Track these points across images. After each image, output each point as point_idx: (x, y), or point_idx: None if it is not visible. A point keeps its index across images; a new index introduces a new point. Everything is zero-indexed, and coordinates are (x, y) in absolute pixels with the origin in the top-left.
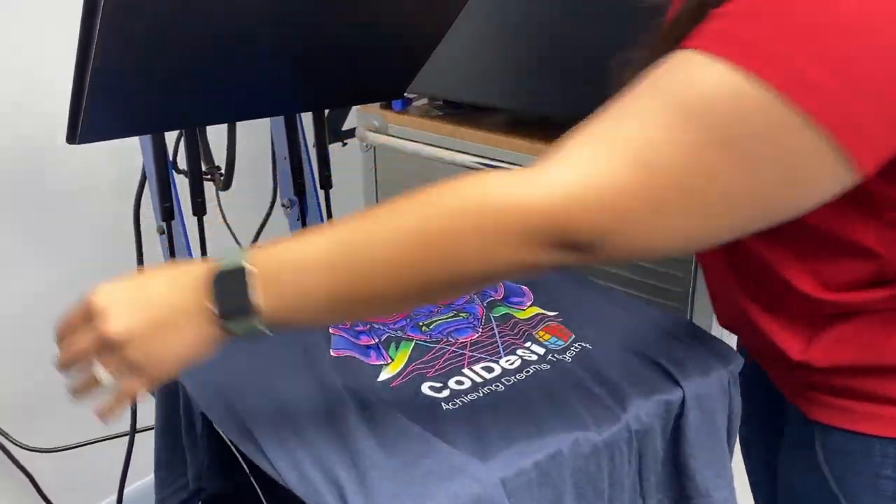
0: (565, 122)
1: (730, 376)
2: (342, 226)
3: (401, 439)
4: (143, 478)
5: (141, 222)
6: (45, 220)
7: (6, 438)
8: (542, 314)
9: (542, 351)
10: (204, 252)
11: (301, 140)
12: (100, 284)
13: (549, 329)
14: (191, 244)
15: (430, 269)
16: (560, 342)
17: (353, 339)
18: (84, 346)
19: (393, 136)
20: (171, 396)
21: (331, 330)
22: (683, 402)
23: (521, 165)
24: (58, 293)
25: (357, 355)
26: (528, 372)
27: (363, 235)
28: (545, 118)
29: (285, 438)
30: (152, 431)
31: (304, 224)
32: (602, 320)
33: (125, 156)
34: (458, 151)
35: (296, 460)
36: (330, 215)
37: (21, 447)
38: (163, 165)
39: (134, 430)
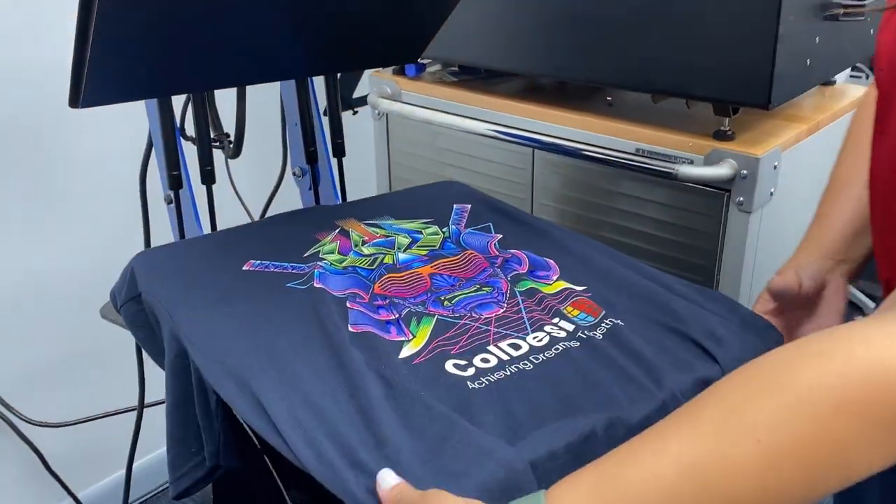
0: (581, 88)
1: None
2: (678, 439)
3: (425, 419)
4: (152, 452)
5: (148, 191)
6: (51, 189)
7: (13, 413)
8: (570, 289)
9: (571, 327)
10: (213, 222)
11: (313, 106)
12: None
13: (578, 304)
14: (200, 214)
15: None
16: (590, 318)
17: (371, 314)
18: None
19: (406, 103)
20: (183, 373)
21: (348, 304)
22: (717, 376)
23: (536, 133)
24: (65, 266)
25: (376, 331)
26: (556, 350)
27: (715, 458)
28: (561, 84)
29: (302, 419)
30: (160, 406)
31: (316, 193)
32: (633, 295)
33: (135, 121)
34: (473, 119)
35: (314, 441)
36: (343, 185)
37: (27, 422)
38: (170, 132)
39: (142, 405)
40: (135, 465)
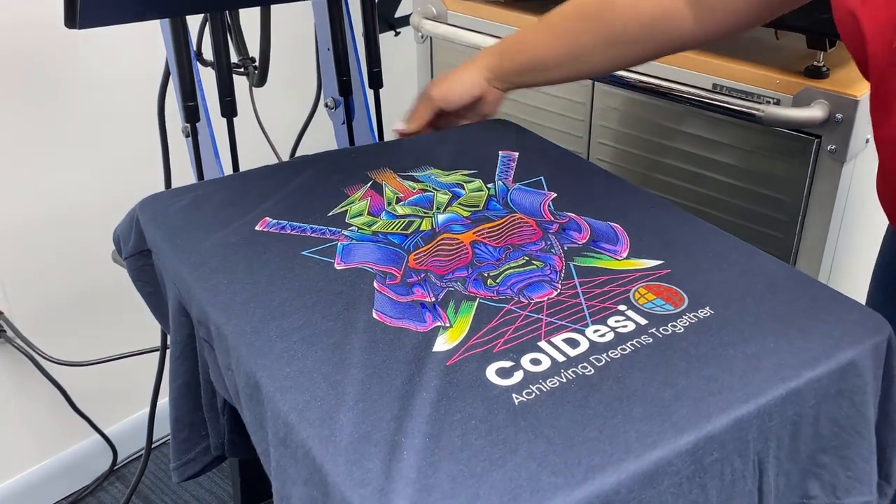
0: None
1: (884, 348)
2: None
3: (456, 444)
4: None
5: (169, 123)
6: (70, 118)
7: (37, 353)
8: (644, 267)
9: (642, 320)
10: (235, 159)
11: (347, 29)
12: None
13: (655, 289)
14: (221, 151)
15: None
16: (668, 307)
17: (402, 297)
18: None
19: (452, 25)
20: (195, 355)
21: (376, 285)
22: (829, 380)
23: None
24: (88, 201)
25: (406, 324)
26: (623, 350)
27: None
28: None
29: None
30: None
31: (349, 128)
32: (726, 279)
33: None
34: None
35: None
36: (380, 120)
37: (51, 360)
38: (184, 57)
39: (165, 346)
40: (158, 403)
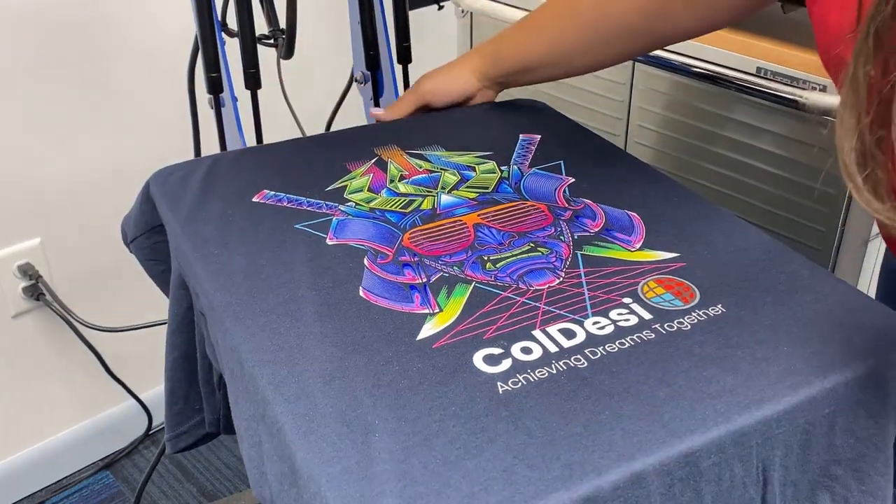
0: None
1: None
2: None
3: (432, 430)
4: None
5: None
6: (117, 87)
7: (74, 318)
8: (657, 259)
9: (647, 314)
10: (258, 134)
11: (378, 2)
12: None
13: (665, 282)
14: (241, 123)
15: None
16: (677, 302)
17: (392, 276)
18: None
19: (494, 0)
20: (187, 333)
21: (366, 262)
22: (845, 389)
23: None
24: (128, 168)
25: (393, 304)
26: (622, 344)
27: None
28: None
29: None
30: None
31: (376, 103)
32: (745, 276)
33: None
34: None
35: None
36: None
37: (88, 326)
38: (207, 26)
39: None
40: None
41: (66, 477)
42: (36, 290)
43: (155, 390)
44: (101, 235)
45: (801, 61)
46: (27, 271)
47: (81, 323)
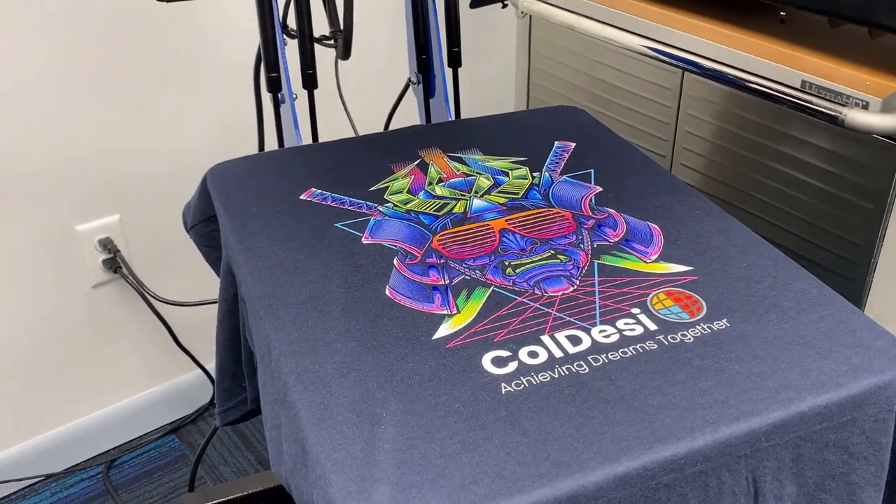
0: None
1: None
2: None
3: (435, 424)
4: None
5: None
6: (198, 76)
7: (147, 291)
8: (670, 272)
9: (652, 325)
10: (314, 133)
11: (430, 4)
12: None
13: (675, 295)
14: (299, 122)
15: None
16: (684, 315)
17: (417, 277)
18: None
19: (550, 3)
20: (234, 318)
21: (395, 262)
22: (839, 407)
23: (688, 53)
24: (203, 149)
25: (416, 304)
26: (625, 353)
27: None
28: None
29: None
30: None
31: (426, 108)
32: (754, 292)
33: None
34: (627, 31)
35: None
36: (457, 100)
37: (160, 300)
38: (267, 27)
39: None
40: None
41: (136, 438)
42: (114, 263)
43: None
44: (174, 215)
45: (846, 77)
46: (107, 245)
47: (153, 296)
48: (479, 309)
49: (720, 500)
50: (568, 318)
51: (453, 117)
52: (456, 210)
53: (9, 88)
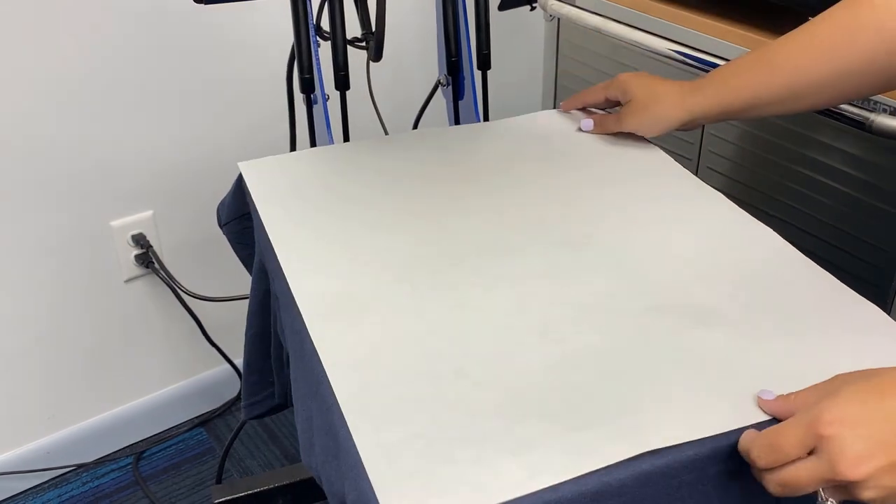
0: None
1: None
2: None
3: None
4: None
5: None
6: (229, 77)
7: (177, 286)
8: None
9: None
10: (346, 134)
11: (460, 7)
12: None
13: None
14: (331, 122)
15: None
16: None
17: None
18: (804, 480)
19: (580, 7)
20: (265, 314)
21: None
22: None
23: (719, 57)
24: (234, 148)
25: None
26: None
27: None
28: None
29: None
30: None
31: (455, 110)
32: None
33: None
34: (655, 35)
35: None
36: (486, 102)
37: (190, 294)
38: (302, 29)
39: None
40: None
41: (165, 431)
42: (146, 258)
43: None
44: (206, 212)
45: None
46: (139, 241)
47: (184, 291)
48: None
49: (742, 500)
50: None
51: (482, 119)
52: None
53: (48, 87)
